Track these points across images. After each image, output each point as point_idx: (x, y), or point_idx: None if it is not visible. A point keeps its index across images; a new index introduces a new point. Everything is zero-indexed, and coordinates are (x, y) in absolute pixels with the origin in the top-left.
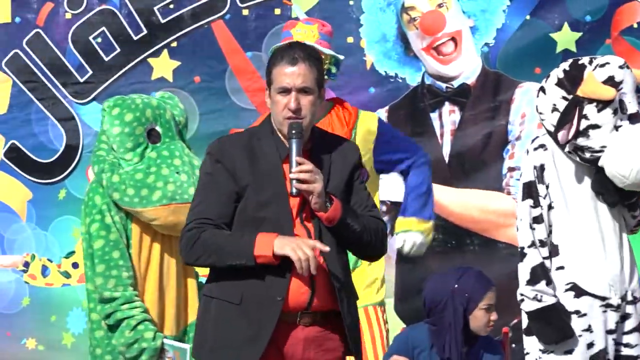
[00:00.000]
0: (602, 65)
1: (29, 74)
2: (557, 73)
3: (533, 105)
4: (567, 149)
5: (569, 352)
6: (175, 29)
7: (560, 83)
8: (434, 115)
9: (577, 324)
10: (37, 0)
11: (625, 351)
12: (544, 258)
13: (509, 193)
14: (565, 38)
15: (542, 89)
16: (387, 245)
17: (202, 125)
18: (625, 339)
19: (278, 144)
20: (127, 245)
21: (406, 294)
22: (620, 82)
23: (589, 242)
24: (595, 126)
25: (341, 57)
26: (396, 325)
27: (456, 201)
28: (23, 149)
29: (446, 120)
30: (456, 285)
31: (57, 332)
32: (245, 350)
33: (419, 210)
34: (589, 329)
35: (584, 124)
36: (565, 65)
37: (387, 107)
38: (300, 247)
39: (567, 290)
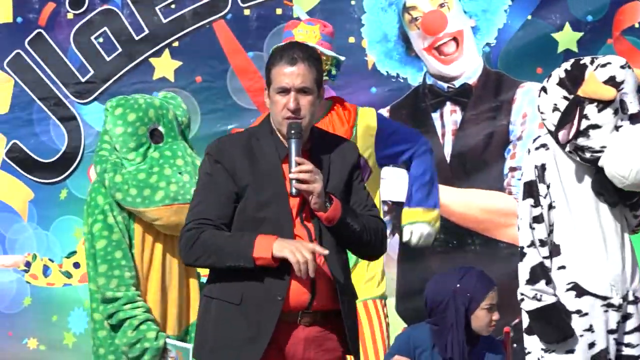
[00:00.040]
0: (604, 65)
1: (30, 74)
2: (559, 73)
3: (534, 105)
4: (567, 149)
5: (570, 351)
6: (176, 29)
7: (561, 83)
8: (435, 115)
9: (578, 323)
10: (39, 0)
11: (626, 351)
12: (544, 257)
13: (510, 193)
14: (567, 38)
15: (543, 89)
16: (387, 245)
17: (203, 126)
18: (627, 338)
19: (277, 144)
20: (130, 245)
21: (408, 293)
22: (622, 82)
23: (591, 241)
24: (596, 126)
25: (342, 58)
26: (397, 325)
27: (457, 201)
28: (25, 148)
29: (447, 120)
30: (458, 285)
31: (58, 332)
32: (246, 351)
33: (424, 199)
34: (590, 329)
35: (584, 123)
36: (567, 65)
37: (388, 107)
38: (299, 250)
39: (568, 290)
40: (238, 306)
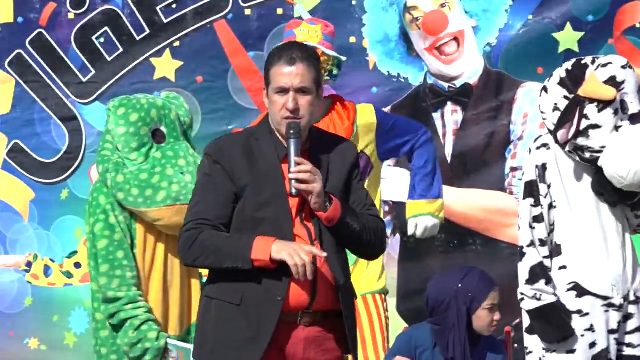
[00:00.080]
0: (604, 65)
1: (31, 74)
2: (560, 72)
3: (535, 105)
4: (567, 149)
5: (571, 351)
6: (177, 29)
7: (562, 82)
8: (436, 115)
9: (579, 323)
10: (40, 0)
11: (627, 351)
12: (544, 257)
13: (511, 193)
14: (568, 38)
15: (544, 89)
16: (387, 244)
17: (204, 125)
18: (628, 338)
19: (276, 144)
20: (131, 245)
21: (409, 293)
22: (622, 82)
23: (592, 241)
24: (596, 126)
25: (343, 58)
26: (398, 325)
27: (458, 201)
28: (26, 148)
29: (448, 120)
30: (460, 285)
31: (59, 331)
32: (246, 351)
33: (427, 190)
34: (591, 329)
35: (584, 123)
36: (568, 64)
37: (389, 107)
38: (297, 253)
39: (569, 289)
40: (238, 306)
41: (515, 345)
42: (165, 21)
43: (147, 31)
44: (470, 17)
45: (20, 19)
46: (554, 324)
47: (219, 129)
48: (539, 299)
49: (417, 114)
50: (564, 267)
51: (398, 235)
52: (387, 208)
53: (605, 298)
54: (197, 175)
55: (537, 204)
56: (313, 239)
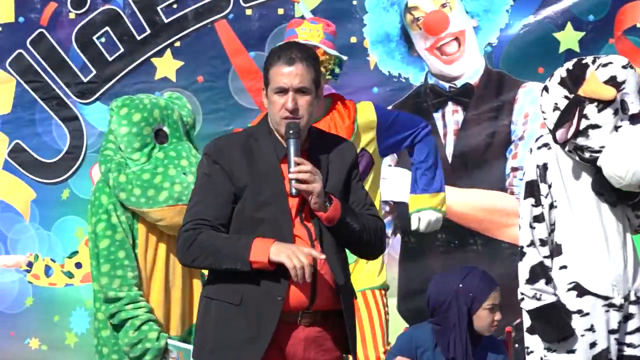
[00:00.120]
0: (605, 65)
1: (32, 74)
2: (561, 72)
3: (536, 105)
4: (566, 148)
5: (572, 351)
6: (178, 29)
7: (562, 82)
8: (437, 115)
9: (579, 323)
10: (41, 0)
11: (628, 351)
12: (544, 257)
13: (512, 193)
14: (569, 38)
15: (545, 88)
16: (386, 244)
17: (205, 125)
18: (628, 339)
19: (276, 144)
20: (133, 245)
21: (409, 293)
22: (623, 82)
23: (592, 241)
24: (595, 126)
25: (345, 57)
26: (399, 325)
27: (459, 201)
28: (27, 148)
29: (449, 120)
30: (460, 285)
31: (60, 332)
32: (246, 351)
33: (429, 184)
34: (591, 329)
35: (584, 123)
36: (569, 64)
37: (390, 107)
38: (295, 255)
39: (569, 289)
40: (238, 307)
41: (516, 345)
42: (166, 21)
43: (148, 31)
44: (471, 17)
45: (21, 19)
46: (554, 323)
47: (219, 129)
48: (539, 299)
49: (418, 114)
50: (564, 267)
51: (399, 235)
52: (387, 208)
53: (605, 298)
54: (196, 175)
55: (537, 203)
56: (313, 239)
